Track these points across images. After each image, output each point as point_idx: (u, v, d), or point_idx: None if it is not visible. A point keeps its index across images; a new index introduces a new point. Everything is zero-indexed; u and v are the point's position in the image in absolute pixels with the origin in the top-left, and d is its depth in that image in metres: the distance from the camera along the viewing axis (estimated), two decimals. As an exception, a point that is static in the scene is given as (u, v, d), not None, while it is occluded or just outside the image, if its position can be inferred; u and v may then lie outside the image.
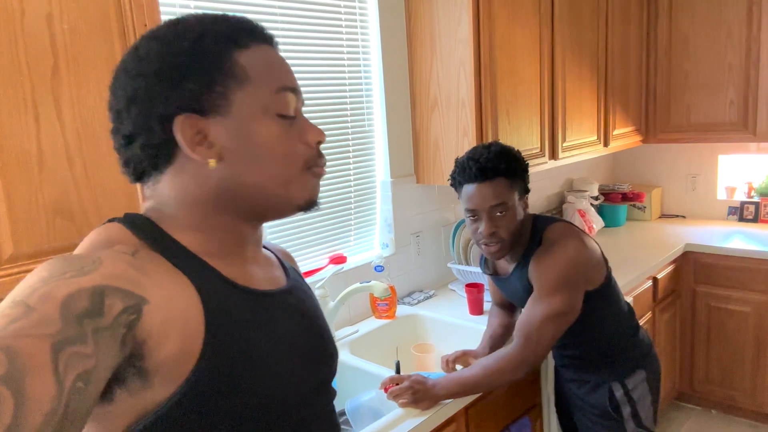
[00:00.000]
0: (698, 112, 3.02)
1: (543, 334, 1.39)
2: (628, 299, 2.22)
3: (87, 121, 1.05)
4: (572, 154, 2.53)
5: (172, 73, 0.63)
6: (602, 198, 3.26)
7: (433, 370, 1.67)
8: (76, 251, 0.63)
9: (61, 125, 1.02)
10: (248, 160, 0.66)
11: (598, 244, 1.54)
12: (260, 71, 0.67)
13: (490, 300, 1.85)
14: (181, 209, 0.67)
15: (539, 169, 2.34)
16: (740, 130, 2.92)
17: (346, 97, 1.98)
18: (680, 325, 2.94)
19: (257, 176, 0.67)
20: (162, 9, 1.18)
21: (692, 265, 2.88)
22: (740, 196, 3.24)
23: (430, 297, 2.24)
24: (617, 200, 3.32)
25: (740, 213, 3.21)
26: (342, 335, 1.87)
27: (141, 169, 0.67)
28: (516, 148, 1.49)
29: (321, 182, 1.89)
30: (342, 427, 1.58)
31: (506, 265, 1.60)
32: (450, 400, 1.44)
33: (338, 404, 1.62)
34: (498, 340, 1.70)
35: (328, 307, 1.81)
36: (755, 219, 3.16)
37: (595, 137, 2.73)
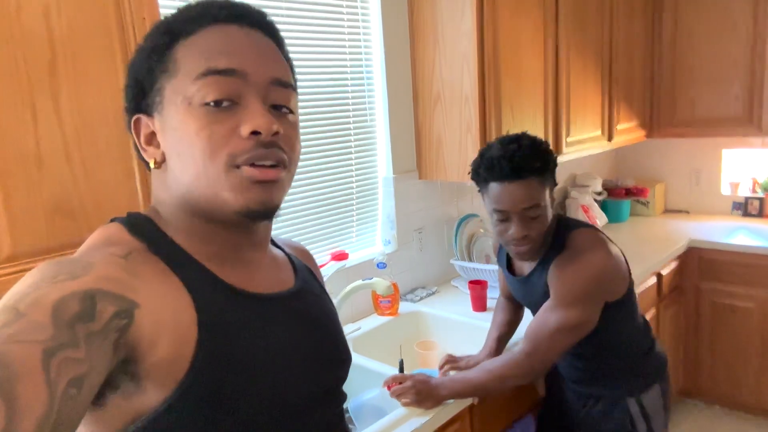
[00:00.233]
0: (703, 106, 3.00)
1: (553, 345, 1.35)
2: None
3: (86, 118, 1.03)
4: (576, 149, 2.51)
5: (135, 74, 0.65)
6: (605, 193, 3.24)
7: (436, 367, 1.66)
8: (77, 252, 0.63)
9: (59, 122, 1.00)
10: (178, 159, 0.63)
11: (623, 253, 1.48)
12: (190, 58, 0.61)
13: (495, 297, 1.83)
14: (166, 210, 0.67)
15: (543, 164, 2.32)
16: (745, 124, 2.89)
17: (347, 93, 1.96)
18: (684, 321, 2.92)
19: (186, 176, 0.62)
20: (161, 2, 1.16)
21: (696, 261, 2.86)
22: (744, 192, 3.22)
23: (433, 294, 2.23)
24: (621, 195, 3.30)
25: (744, 208, 3.19)
26: (344, 333, 1.86)
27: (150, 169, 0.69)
28: (544, 140, 1.40)
29: (323, 179, 1.89)
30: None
31: (523, 265, 1.54)
32: (452, 400, 1.43)
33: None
34: (504, 342, 1.67)
35: (330, 304, 1.80)
36: (760, 214, 3.14)
37: (599, 132, 2.71)
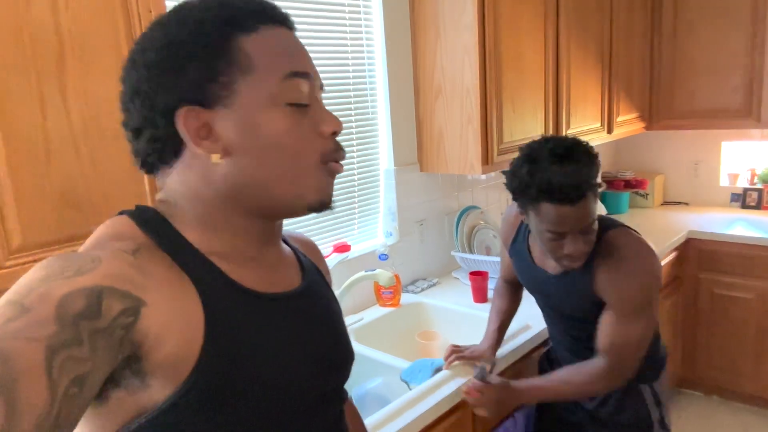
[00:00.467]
0: (702, 98, 3.01)
1: (639, 354, 1.37)
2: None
3: (93, 110, 1.04)
4: (576, 141, 2.52)
5: (173, 63, 0.60)
6: (605, 185, 3.26)
7: (436, 356, 1.68)
8: (85, 244, 0.62)
9: (67, 114, 1.01)
10: (256, 156, 0.63)
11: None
12: (268, 57, 0.63)
13: (496, 284, 1.83)
14: (189, 205, 0.65)
15: (543, 156, 2.33)
16: (744, 116, 2.91)
17: (349, 86, 1.97)
18: (683, 311, 2.95)
19: (265, 173, 0.63)
20: (166, -4, 1.17)
21: (695, 252, 2.88)
22: (743, 183, 3.24)
23: (434, 285, 2.25)
24: (620, 187, 3.32)
25: (743, 200, 3.21)
26: (347, 323, 1.87)
27: (150, 162, 0.65)
28: (585, 141, 1.30)
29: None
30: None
31: (551, 261, 1.47)
32: (457, 386, 1.45)
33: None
34: (503, 331, 1.67)
35: (333, 295, 1.81)
36: (758, 206, 3.16)
37: (599, 124, 2.72)
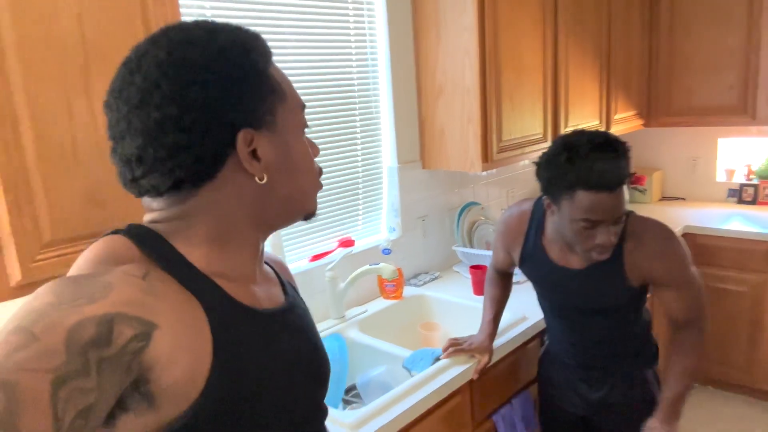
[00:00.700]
0: (699, 95, 3.06)
1: (708, 306, 1.51)
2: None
3: (116, 115, 1.11)
4: (574, 138, 2.58)
5: (233, 86, 0.62)
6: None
7: (437, 346, 1.75)
8: (78, 262, 0.62)
9: (92, 119, 1.08)
10: (285, 174, 0.69)
11: None
12: (288, 87, 0.71)
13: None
14: (210, 223, 0.66)
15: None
16: (740, 114, 2.96)
17: (353, 85, 2.04)
18: (679, 304, 3.00)
19: (289, 188, 0.70)
20: (182, 10, 1.24)
21: (692, 246, 2.93)
22: (739, 179, 3.29)
23: (436, 278, 2.32)
24: (619, 183, 3.36)
25: (739, 195, 3.26)
26: (352, 315, 1.95)
27: (168, 183, 0.62)
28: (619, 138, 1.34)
29: (330, 169, 1.98)
30: (353, 400, 1.69)
31: (571, 257, 1.47)
32: (456, 373, 1.53)
33: (349, 380, 1.72)
34: (497, 320, 1.70)
35: (338, 288, 1.89)
36: (754, 201, 3.21)
37: (597, 122, 2.78)
